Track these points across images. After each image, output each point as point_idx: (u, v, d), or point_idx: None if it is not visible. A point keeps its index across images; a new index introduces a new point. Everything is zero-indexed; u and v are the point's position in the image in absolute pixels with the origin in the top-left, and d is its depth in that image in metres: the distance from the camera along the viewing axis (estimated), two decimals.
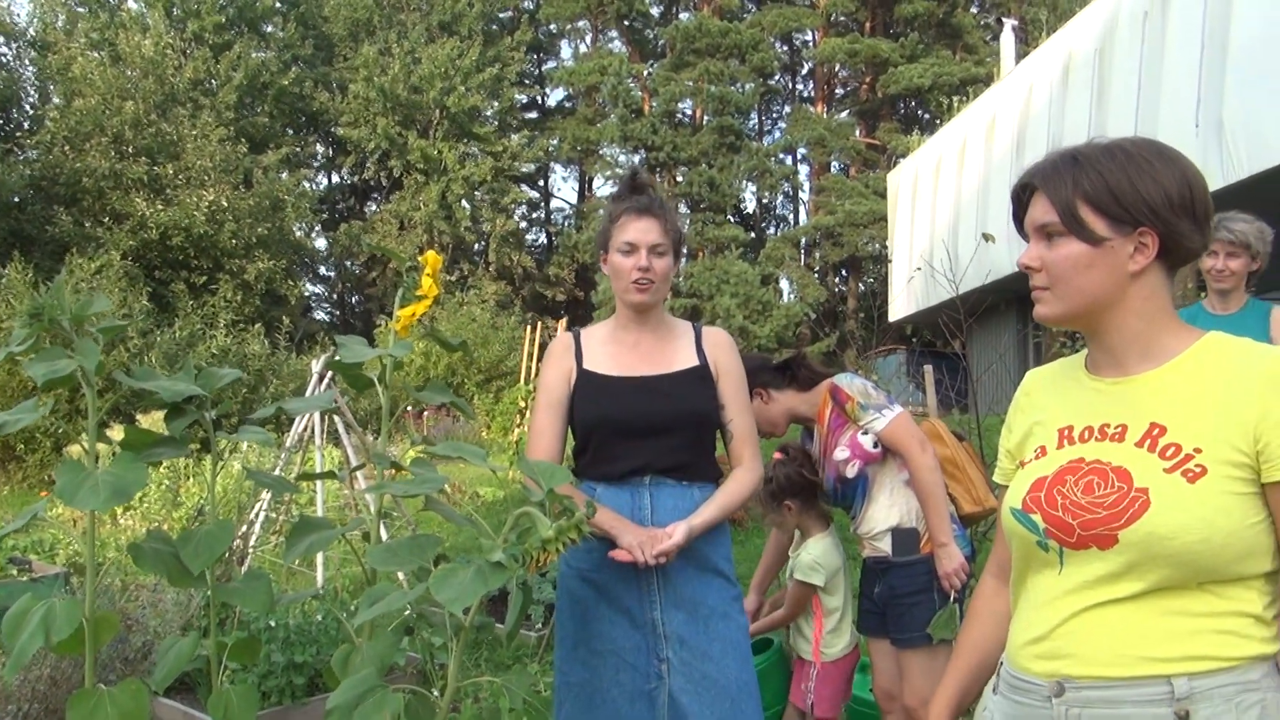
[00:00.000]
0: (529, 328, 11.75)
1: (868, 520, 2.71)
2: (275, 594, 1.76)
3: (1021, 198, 1.30)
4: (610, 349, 2.23)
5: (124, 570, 5.74)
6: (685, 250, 2.32)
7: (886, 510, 2.68)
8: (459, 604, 1.46)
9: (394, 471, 1.83)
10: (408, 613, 1.76)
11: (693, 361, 2.20)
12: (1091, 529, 1.18)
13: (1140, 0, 12.19)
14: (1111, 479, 1.19)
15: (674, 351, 2.21)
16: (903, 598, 2.62)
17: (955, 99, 21.18)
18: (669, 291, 2.25)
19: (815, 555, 2.89)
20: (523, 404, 10.25)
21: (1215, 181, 10.23)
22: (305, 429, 6.21)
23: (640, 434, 2.12)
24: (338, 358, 1.80)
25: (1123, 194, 1.20)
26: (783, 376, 2.83)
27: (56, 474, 1.50)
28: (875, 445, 2.64)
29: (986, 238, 3.54)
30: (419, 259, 1.94)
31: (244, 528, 5.82)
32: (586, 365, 2.21)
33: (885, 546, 2.68)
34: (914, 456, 2.58)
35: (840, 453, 2.67)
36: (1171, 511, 1.13)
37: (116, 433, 1.80)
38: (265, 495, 5.70)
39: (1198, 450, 1.16)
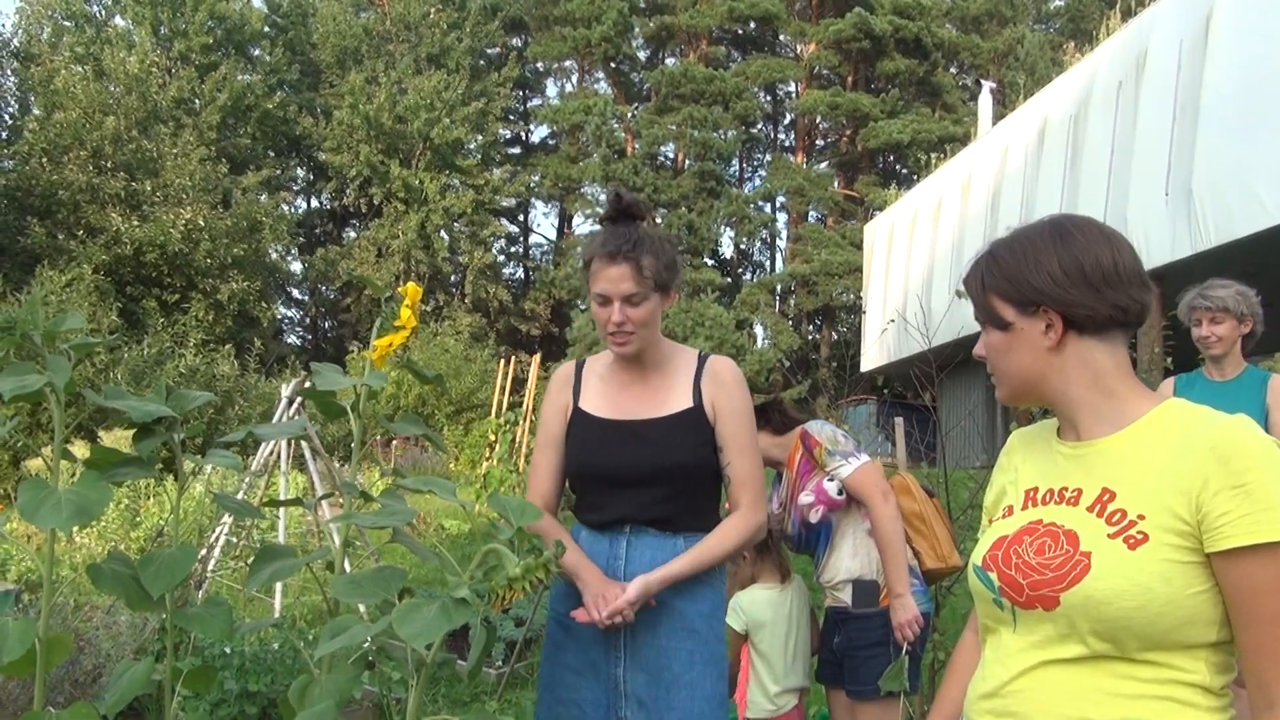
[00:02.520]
0: (502, 361, 11.74)
1: (829, 568, 2.72)
2: (234, 622, 1.73)
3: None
4: (605, 387, 2.09)
5: (77, 590, 5.63)
6: (678, 280, 2.05)
7: (849, 559, 2.69)
8: (422, 639, 1.45)
9: (362, 502, 1.81)
10: (368, 645, 1.73)
11: (685, 404, 2.01)
12: (1038, 589, 1.20)
13: (1115, 70, 12.51)
14: (1062, 541, 1.21)
15: (668, 391, 2.03)
16: (859, 649, 2.62)
17: (933, 155, 21.56)
18: (655, 330, 2.04)
19: (740, 601, 2.86)
20: (492, 437, 10.20)
21: (1184, 249, 10.45)
22: (271, 454, 6.14)
23: (622, 484, 1.98)
24: (311, 385, 1.79)
25: (1017, 280, 1.27)
26: (759, 419, 2.83)
27: (19, 490, 1.48)
28: (840, 493, 2.66)
29: (960, 294, 3.58)
30: (399, 290, 1.94)
31: (203, 551, 5.73)
32: (581, 402, 2.10)
33: (845, 597, 2.69)
34: (876, 506, 2.59)
35: (805, 497, 2.69)
36: (1109, 577, 1.15)
37: (81, 450, 1.78)
38: (226, 519, 5.62)
39: (1141, 517, 1.17)
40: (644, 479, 1.95)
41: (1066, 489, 1.26)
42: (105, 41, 22.42)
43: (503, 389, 10.91)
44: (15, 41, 22.72)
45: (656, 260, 1.97)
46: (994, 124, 17.11)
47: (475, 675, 1.92)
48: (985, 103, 18.23)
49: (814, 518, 2.67)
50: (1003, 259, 1.30)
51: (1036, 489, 1.30)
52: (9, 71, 22.16)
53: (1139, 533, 1.16)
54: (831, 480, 2.66)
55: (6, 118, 21.92)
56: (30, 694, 2.44)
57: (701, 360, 2.06)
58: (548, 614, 2.13)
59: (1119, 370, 1.28)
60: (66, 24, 24.32)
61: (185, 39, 24.45)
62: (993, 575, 1.26)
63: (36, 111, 20.20)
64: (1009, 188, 14.72)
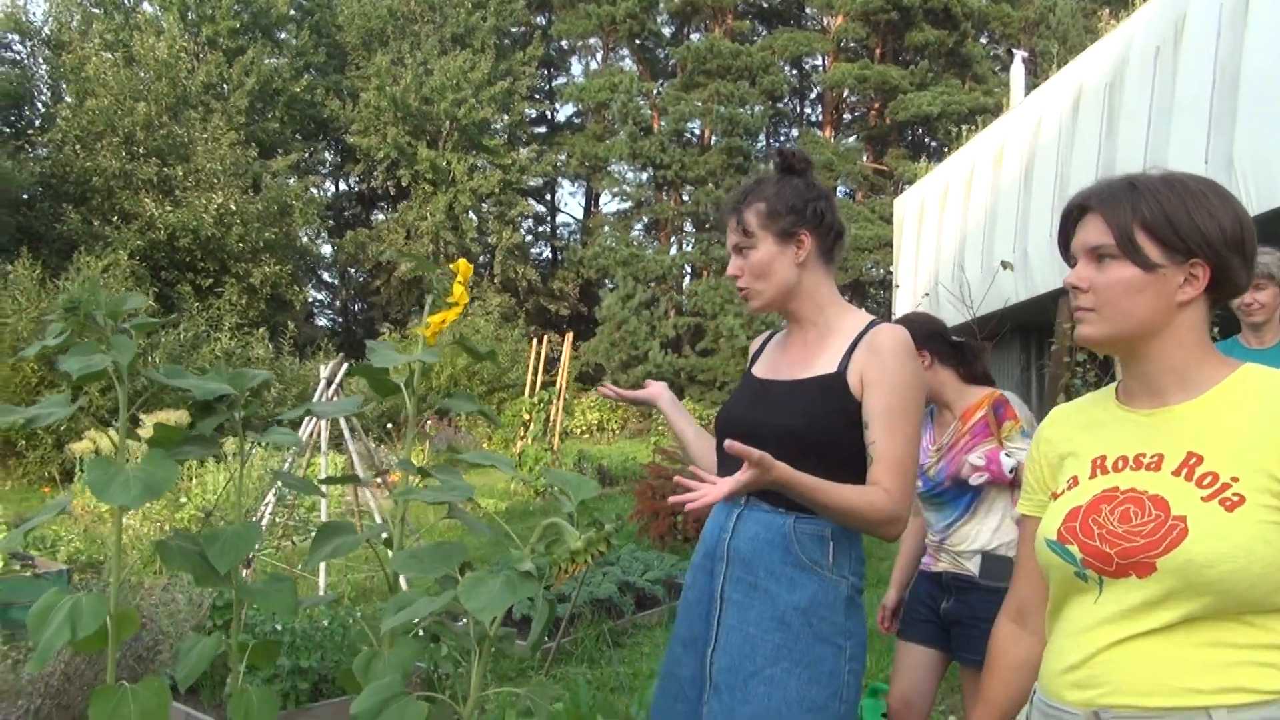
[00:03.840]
0: (534, 341, 11.77)
1: (961, 534, 2.71)
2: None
3: (1070, 219, 1.31)
4: (777, 350, 1.98)
5: (128, 569, 5.73)
6: (803, 224, 1.83)
7: (989, 533, 2.68)
8: (488, 613, 1.45)
9: (419, 478, 1.82)
10: (429, 620, 1.75)
11: (829, 369, 1.80)
12: (1130, 557, 1.18)
13: (1152, 36, 12.25)
14: (1148, 507, 1.19)
15: (820, 355, 1.84)
16: (984, 620, 2.60)
17: (963, 127, 21.26)
18: (779, 280, 1.85)
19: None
20: (527, 416, 10.23)
21: None
22: (311, 434, 6.20)
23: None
24: (366, 361, 1.80)
25: (1180, 224, 1.22)
26: (953, 355, 2.79)
27: (87, 468, 1.50)
28: (1010, 471, 2.63)
29: (1005, 265, 3.54)
30: (450, 266, 1.94)
31: None
32: (754, 367, 2.01)
33: (972, 566, 2.68)
34: None
35: (976, 459, 2.64)
36: (1209, 540, 1.13)
37: (146, 429, 1.80)
38: (270, 498, 5.68)
39: (1235, 479, 1.16)
40: (759, 442, 1.68)
41: (1144, 455, 1.24)
42: (134, 28, 22.54)
43: (535, 370, 10.93)
44: (46, 29, 22.94)
45: (767, 205, 1.85)
46: (1026, 94, 16.85)
47: (537, 649, 1.93)
48: (1018, 72, 17.93)
49: (974, 480, 2.64)
50: (1165, 197, 1.23)
51: (1104, 457, 1.28)
52: (41, 59, 22.39)
53: (1235, 495, 1.15)
54: (1009, 456, 2.63)
55: (40, 105, 22.17)
56: (94, 670, 2.49)
57: (868, 328, 1.83)
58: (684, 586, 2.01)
59: (1210, 340, 1.27)
60: (96, 11, 24.45)
61: (212, 24, 24.54)
62: (1072, 547, 1.24)
63: (69, 99, 20.42)
64: (1043, 158, 14.50)
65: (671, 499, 1.66)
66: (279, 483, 6.29)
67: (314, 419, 6.13)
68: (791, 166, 1.90)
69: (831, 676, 1.75)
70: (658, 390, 2.17)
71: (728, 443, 1.60)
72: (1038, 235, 12.83)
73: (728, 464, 1.92)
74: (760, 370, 1.98)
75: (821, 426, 1.77)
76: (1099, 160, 12.87)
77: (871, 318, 1.88)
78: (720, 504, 1.90)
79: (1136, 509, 1.19)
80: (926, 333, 2.73)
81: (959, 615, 2.69)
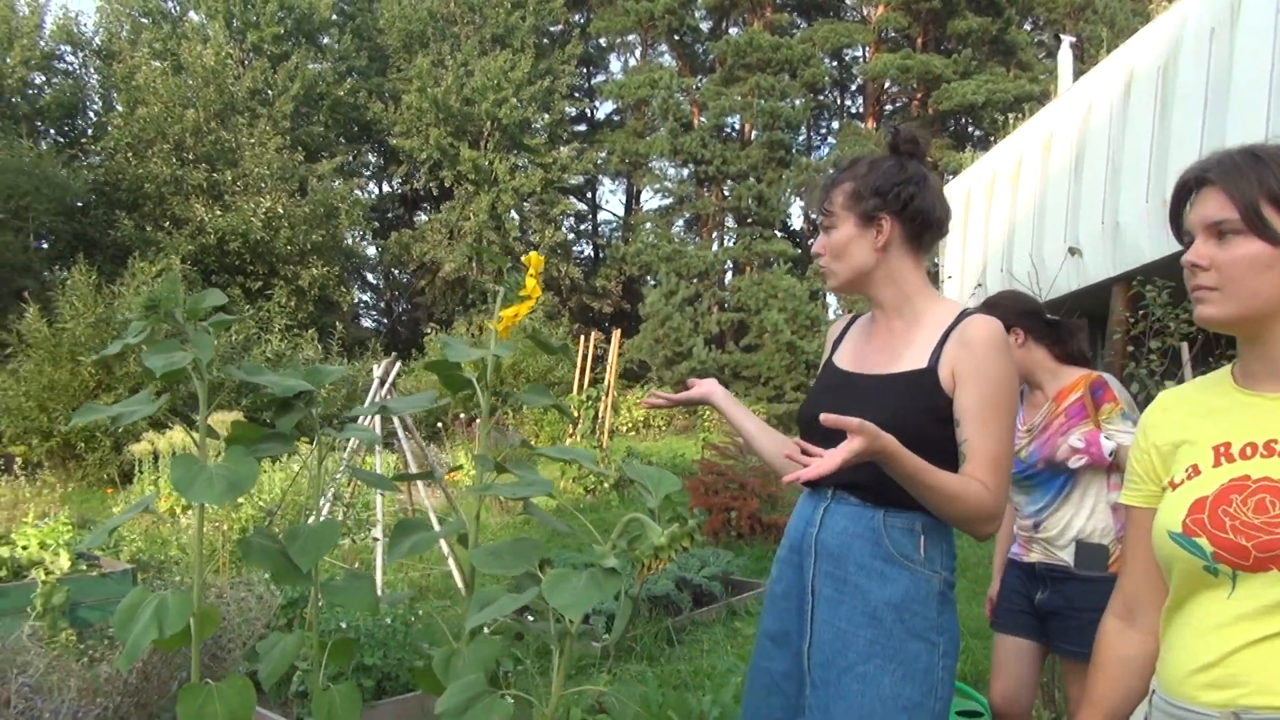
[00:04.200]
0: (582, 338, 11.77)
1: (1055, 521, 2.64)
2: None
3: (1185, 193, 1.25)
4: (860, 338, 1.91)
5: (186, 568, 5.81)
6: (895, 199, 1.77)
7: (1084, 519, 2.61)
8: (575, 610, 1.43)
9: (495, 473, 1.80)
10: (508, 617, 1.72)
11: (919, 364, 1.73)
12: (1270, 550, 1.11)
13: (1206, 16, 11.94)
14: None
15: (908, 347, 1.77)
16: (1084, 611, 2.51)
17: (1010, 116, 20.92)
18: (857, 262, 1.80)
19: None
20: (576, 414, 10.23)
21: None
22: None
23: (825, 439, 1.67)
24: (441, 356, 1.78)
25: None
26: (1047, 334, 2.72)
27: (171, 466, 1.50)
28: (1110, 455, 2.56)
29: (1073, 251, 3.45)
30: (523, 259, 1.91)
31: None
32: (835, 355, 1.94)
33: (1066, 555, 2.61)
34: None
35: (1075, 440, 2.57)
36: None
37: (181, 436, 1.79)
38: (329, 495, 5.73)
39: None
40: (840, 437, 1.60)
41: (1275, 440, 1.17)
42: (182, 36, 22.93)
43: (582, 369, 10.93)
44: (97, 40, 23.41)
45: (853, 185, 1.80)
46: (1075, 80, 16.54)
47: (619, 646, 1.90)
48: (1065, 58, 17.56)
49: (1073, 463, 2.56)
50: None
51: (1228, 444, 1.21)
52: (92, 70, 22.85)
53: None
54: (1108, 439, 2.56)
55: (92, 115, 22.63)
56: (170, 669, 2.51)
57: (959, 319, 1.75)
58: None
59: None
60: (144, 21, 24.93)
61: (257, 30, 24.89)
62: (1201, 540, 1.17)
63: (120, 107, 20.82)
64: (1093, 145, 14.19)
65: (786, 479, 1.62)
66: (336, 480, 6.35)
67: (366, 417, 6.18)
68: (896, 147, 1.84)
69: (926, 673, 1.70)
70: (709, 387, 2.11)
71: (824, 415, 1.54)
72: (1089, 223, 12.61)
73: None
74: (844, 361, 1.91)
75: (912, 424, 1.68)
76: (1152, 146, 12.59)
77: (962, 307, 1.80)
78: (806, 497, 1.87)
79: (1273, 498, 1.13)
80: (1019, 310, 2.68)
81: (1055, 606, 2.62)
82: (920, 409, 1.71)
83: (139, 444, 9.52)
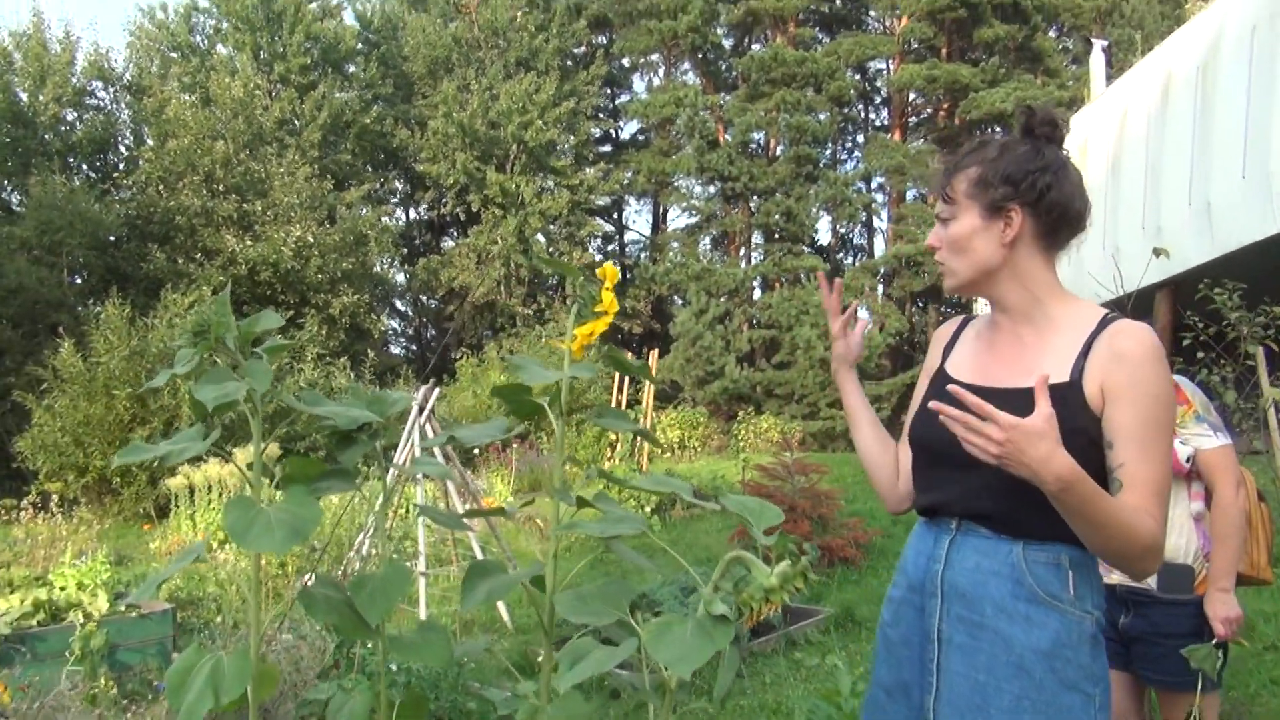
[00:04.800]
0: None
1: None
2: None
3: None
4: (977, 345, 1.71)
5: (225, 607, 5.67)
6: (1029, 188, 1.55)
7: (1168, 537, 2.42)
8: (686, 666, 1.25)
9: (575, 509, 1.63)
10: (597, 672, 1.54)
11: (1059, 377, 1.51)
12: None
13: (1247, 14, 11.68)
14: None
15: (1043, 357, 1.55)
16: (1167, 637, 2.36)
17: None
18: (978, 259, 1.59)
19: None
20: (614, 437, 10.05)
21: None
22: (404, 462, 6.10)
23: (954, 462, 1.53)
24: (516, 378, 1.62)
25: None
26: None
27: (225, 510, 1.33)
28: (1187, 460, 2.39)
29: (1158, 252, 3.26)
30: (597, 272, 1.75)
31: (343, 566, 5.71)
32: (948, 362, 1.73)
33: (1150, 580, 2.42)
34: (1227, 492, 2.33)
35: None
36: None
37: (215, 470, 1.63)
38: (369, 530, 5.58)
39: None
40: (978, 460, 1.44)
41: None
42: (210, 69, 23.15)
43: (619, 387, 10.76)
44: (127, 75, 23.68)
45: (980, 171, 1.59)
46: (1108, 84, 16.27)
47: (726, 701, 1.71)
48: (1098, 62, 17.35)
49: None
50: None
51: None
52: (123, 104, 23.10)
53: None
54: (1184, 444, 2.39)
55: (123, 149, 22.86)
56: None
57: (1102, 325, 1.53)
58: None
59: None
60: (173, 55, 25.22)
61: (284, 61, 25.10)
62: None
63: (150, 141, 21.00)
64: (1130, 150, 13.94)
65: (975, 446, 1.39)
66: (373, 514, 6.21)
67: (407, 447, 6.04)
68: (1031, 129, 1.62)
69: None
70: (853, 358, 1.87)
71: (975, 401, 1.35)
72: (1128, 229, 12.32)
73: (925, 483, 1.69)
74: (962, 372, 1.68)
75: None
76: (1192, 148, 12.30)
77: (1104, 311, 1.58)
78: (923, 528, 1.67)
79: None
80: None
81: (1139, 631, 2.47)
82: (1068, 430, 1.44)
83: (174, 478, 9.44)
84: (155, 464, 10.96)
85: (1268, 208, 10.93)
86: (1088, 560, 1.53)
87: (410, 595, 5.76)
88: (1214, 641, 2.35)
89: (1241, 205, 11.39)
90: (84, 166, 22.50)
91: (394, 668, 3.27)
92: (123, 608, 4.72)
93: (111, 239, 19.20)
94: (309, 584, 1.49)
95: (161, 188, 19.37)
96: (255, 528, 1.30)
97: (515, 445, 12.55)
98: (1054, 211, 1.58)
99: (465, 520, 1.81)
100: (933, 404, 1.42)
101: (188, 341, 1.39)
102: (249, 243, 18.79)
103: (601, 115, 29.91)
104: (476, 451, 12.76)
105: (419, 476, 5.77)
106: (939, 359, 1.76)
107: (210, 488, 9.01)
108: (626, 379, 10.93)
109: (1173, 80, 13.18)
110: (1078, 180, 1.61)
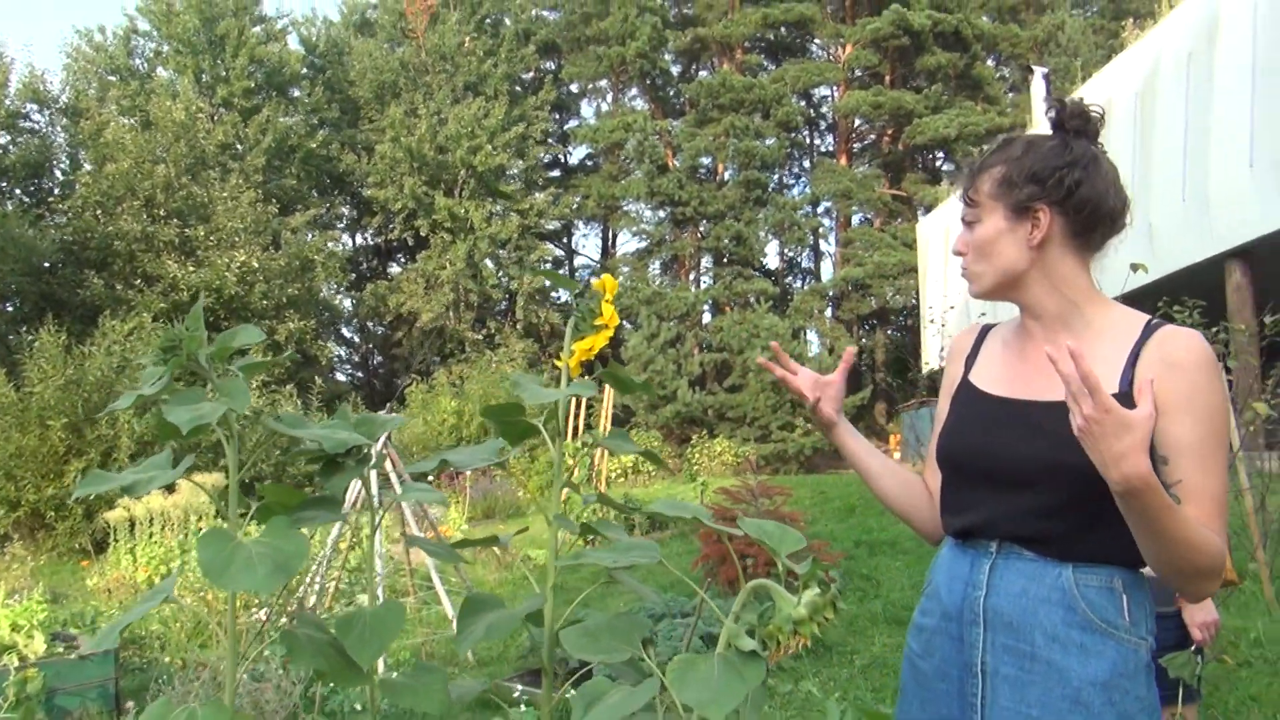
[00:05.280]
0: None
1: None
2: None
3: None
4: (1004, 354, 1.58)
5: (173, 646, 5.42)
6: (1056, 185, 1.44)
7: None
8: (717, 709, 1.13)
9: (580, 537, 1.52)
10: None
11: (1109, 387, 1.36)
12: None
13: (1184, 41, 12.03)
14: None
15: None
16: (1160, 650, 2.33)
17: (982, 148, 20.97)
18: (1003, 261, 1.50)
19: None
20: (571, 462, 9.90)
21: (1275, 222, 9.94)
22: (359, 491, 5.91)
23: (994, 482, 1.45)
24: (516, 398, 1.50)
25: None
26: None
27: (199, 545, 1.19)
28: None
29: (1135, 268, 3.25)
30: (595, 283, 1.64)
31: (297, 598, 5.49)
32: (972, 373, 1.61)
33: None
34: None
35: None
36: None
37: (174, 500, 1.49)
38: (323, 558, 5.37)
39: None
40: (1024, 479, 1.39)
41: None
42: (150, 92, 22.68)
43: (574, 414, 10.63)
44: (64, 98, 23.09)
45: (1005, 170, 1.48)
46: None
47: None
48: (1038, 89, 17.73)
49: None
50: None
51: None
52: (59, 128, 22.51)
53: None
54: None
55: (59, 173, 22.25)
56: None
57: (1148, 331, 1.42)
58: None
59: None
60: (112, 78, 24.67)
61: (227, 84, 24.70)
62: None
63: (88, 165, 20.47)
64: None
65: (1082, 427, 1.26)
66: (332, 546, 5.99)
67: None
68: (1061, 123, 1.49)
69: None
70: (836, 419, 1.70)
71: (1086, 369, 1.23)
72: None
73: (958, 504, 1.57)
74: (990, 383, 1.56)
75: None
76: (1134, 170, 12.59)
77: (1146, 316, 1.47)
78: (956, 551, 1.55)
79: None
80: None
81: None
82: None
83: (113, 511, 9.06)
84: (90, 497, 10.49)
85: (1206, 231, 11.20)
86: (1140, 583, 1.44)
87: None
88: (1192, 648, 2.35)
89: (1182, 228, 11.66)
90: (17, 191, 21.84)
91: (358, 707, 3.11)
92: (60, 649, 4.46)
93: (46, 265, 18.61)
94: (290, 624, 1.36)
95: (99, 212, 18.85)
96: (234, 564, 1.16)
97: (469, 471, 12.32)
98: (1085, 210, 1.46)
99: (459, 551, 1.69)
100: (1048, 348, 1.30)
101: (156, 359, 1.26)
102: (191, 268, 18.36)
103: (550, 140, 29.88)
104: (431, 479, 12.51)
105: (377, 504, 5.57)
106: (961, 371, 1.64)
107: (152, 520, 8.66)
108: (583, 402, 10.80)
109: (1112, 105, 13.50)
110: (1112, 176, 1.50)
